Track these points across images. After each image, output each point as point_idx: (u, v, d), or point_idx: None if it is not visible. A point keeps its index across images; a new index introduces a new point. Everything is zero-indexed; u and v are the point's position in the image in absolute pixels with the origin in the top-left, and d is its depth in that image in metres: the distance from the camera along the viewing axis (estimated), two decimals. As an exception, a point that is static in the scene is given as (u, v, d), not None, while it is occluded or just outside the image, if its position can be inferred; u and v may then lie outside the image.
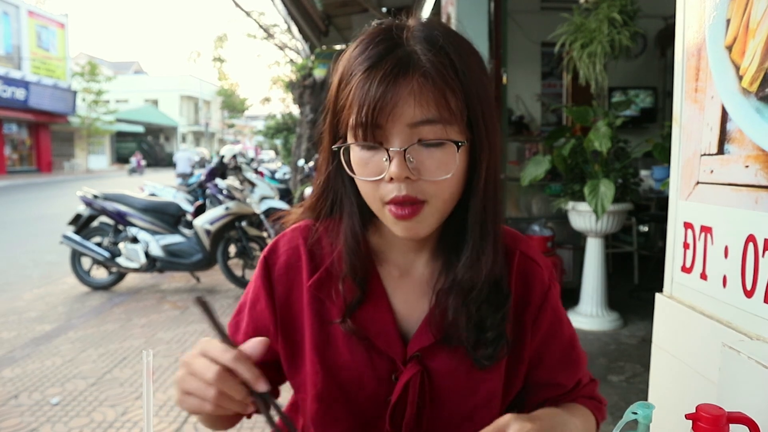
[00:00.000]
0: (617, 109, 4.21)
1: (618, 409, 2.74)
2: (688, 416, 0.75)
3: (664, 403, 1.25)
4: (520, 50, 5.52)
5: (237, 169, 5.84)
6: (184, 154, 14.33)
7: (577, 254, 4.64)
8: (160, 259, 5.35)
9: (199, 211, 5.58)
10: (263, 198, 5.64)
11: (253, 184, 5.73)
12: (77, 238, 5.35)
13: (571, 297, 4.28)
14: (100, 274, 5.66)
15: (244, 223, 5.47)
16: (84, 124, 29.55)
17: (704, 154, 1.14)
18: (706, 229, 1.14)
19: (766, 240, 0.97)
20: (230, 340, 0.69)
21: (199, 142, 48.93)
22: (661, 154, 3.89)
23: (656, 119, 5.97)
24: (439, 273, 0.85)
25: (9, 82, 22.94)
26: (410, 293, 0.86)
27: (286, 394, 0.94)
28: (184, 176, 12.98)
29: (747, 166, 1.01)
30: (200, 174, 6.13)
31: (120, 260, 5.35)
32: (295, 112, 15.76)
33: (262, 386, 0.66)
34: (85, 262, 5.56)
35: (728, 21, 1.05)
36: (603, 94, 4.20)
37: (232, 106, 43.89)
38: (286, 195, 8.38)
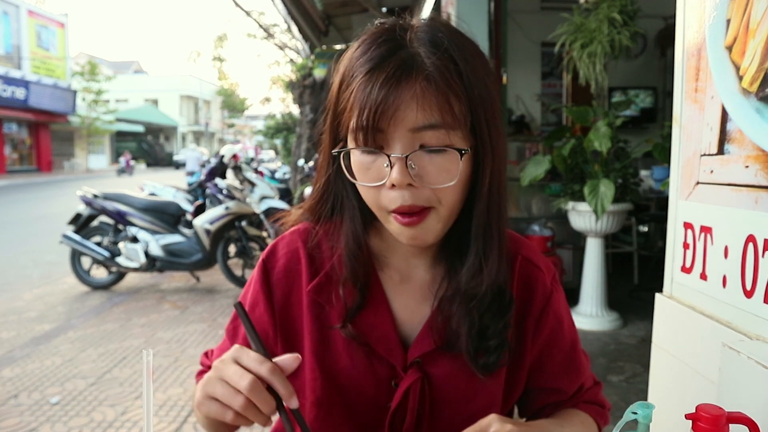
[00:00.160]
0: (617, 109, 4.22)
1: (618, 409, 2.74)
2: (687, 416, 0.75)
3: (663, 403, 1.25)
4: (520, 50, 5.52)
5: (237, 169, 5.84)
6: (193, 154, 14.37)
7: (577, 254, 4.64)
8: (159, 259, 5.35)
9: (199, 210, 5.58)
10: (263, 198, 5.64)
11: (252, 184, 5.73)
12: (77, 237, 5.35)
13: (571, 297, 4.28)
14: (99, 273, 5.66)
15: (244, 223, 5.47)
16: (84, 123, 29.55)
17: (704, 154, 1.14)
18: (706, 229, 1.14)
19: (766, 240, 0.97)
20: (266, 350, 0.67)
21: (199, 142, 48.90)
22: (661, 154, 3.89)
23: (656, 119, 5.98)
24: (442, 279, 0.83)
25: (9, 81, 22.93)
26: (411, 298, 0.85)
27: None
28: (193, 174, 13.00)
29: (747, 167, 1.01)
30: (200, 173, 6.12)
31: (120, 260, 5.35)
32: (294, 112, 15.76)
33: (294, 402, 0.64)
34: (85, 262, 5.56)
35: (728, 21, 1.05)
36: (603, 94, 4.20)
37: (232, 105, 43.88)
38: (286, 195, 8.38)
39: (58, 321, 4.60)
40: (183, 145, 45.40)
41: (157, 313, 4.81)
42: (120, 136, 37.40)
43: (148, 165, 37.68)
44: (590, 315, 4.08)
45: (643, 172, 5.41)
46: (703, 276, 1.15)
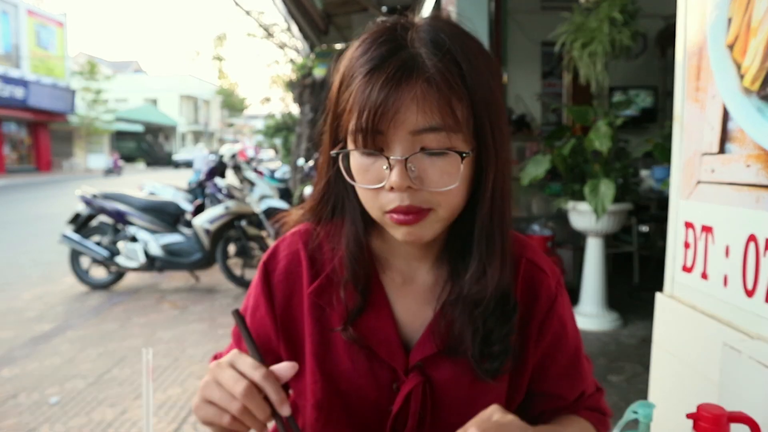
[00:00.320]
0: (618, 108, 4.21)
1: (618, 409, 2.73)
2: (689, 416, 0.74)
3: (664, 402, 1.25)
4: (520, 50, 5.52)
5: (237, 169, 5.84)
6: (201, 153, 14.41)
7: (577, 254, 4.64)
8: (159, 259, 5.35)
9: (199, 210, 5.58)
10: (263, 197, 5.63)
11: (252, 184, 5.73)
12: (76, 237, 5.35)
13: (571, 297, 4.22)
14: (99, 273, 5.65)
15: (243, 223, 5.47)
16: (83, 123, 29.53)
17: (705, 154, 1.14)
18: (706, 229, 1.14)
19: (767, 239, 0.97)
20: (262, 356, 0.68)
21: (198, 142, 48.92)
22: (661, 154, 3.89)
23: (656, 119, 5.97)
24: (445, 282, 0.82)
25: (8, 81, 22.91)
26: (413, 301, 0.84)
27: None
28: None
29: (748, 166, 1.01)
30: (200, 173, 6.13)
31: (119, 259, 5.35)
32: (294, 112, 15.76)
33: (286, 410, 0.64)
34: (84, 262, 5.55)
35: (730, 20, 1.05)
36: (603, 94, 4.20)
37: (232, 105, 43.89)
38: (285, 194, 8.38)
39: (57, 321, 4.59)
40: (182, 145, 45.44)
41: (156, 313, 4.81)
42: (119, 136, 37.37)
43: (148, 164, 37.67)
44: (590, 315, 4.08)
45: (644, 172, 5.41)
46: (704, 275, 1.15)
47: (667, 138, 3.83)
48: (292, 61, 15.52)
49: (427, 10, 5.11)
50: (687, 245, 1.21)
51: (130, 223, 5.40)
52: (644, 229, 5.43)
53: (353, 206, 0.81)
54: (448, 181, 0.70)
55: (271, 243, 0.93)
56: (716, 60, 1.09)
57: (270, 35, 16.16)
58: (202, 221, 5.29)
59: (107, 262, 5.38)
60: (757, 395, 0.93)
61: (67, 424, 2.81)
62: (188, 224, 5.54)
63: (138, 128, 37.29)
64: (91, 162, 32.99)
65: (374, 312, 0.82)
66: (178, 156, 37.07)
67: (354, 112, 0.69)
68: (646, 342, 3.74)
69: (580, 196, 3.88)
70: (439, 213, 0.72)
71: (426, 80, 0.67)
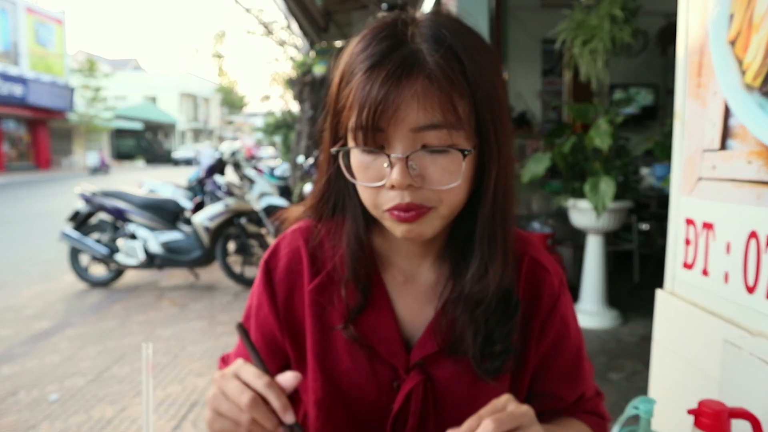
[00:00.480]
0: (618, 106, 4.21)
1: (618, 407, 2.73)
2: (690, 411, 0.74)
3: (665, 399, 1.24)
4: (520, 47, 5.51)
5: (236, 166, 5.83)
6: (208, 150, 14.45)
7: (578, 252, 4.64)
8: (159, 256, 5.35)
9: (198, 207, 5.58)
10: (262, 195, 5.63)
11: (252, 181, 5.72)
12: (76, 234, 5.34)
13: (572, 294, 4.27)
14: (98, 270, 5.65)
15: (243, 220, 5.47)
16: (82, 120, 29.52)
17: (706, 150, 1.14)
18: (707, 226, 1.14)
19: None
20: (266, 366, 0.68)
21: (198, 139, 48.91)
22: (662, 152, 3.89)
23: (657, 117, 5.96)
24: (446, 280, 0.81)
25: (7, 78, 22.89)
26: (414, 299, 0.83)
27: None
28: None
29: (750, 162, 1.00)
30: (199, 171, 6.12)
31: (119, 257, 5.34)
32: (294, 109, 15.76)
33: (289, 417, 0.63)
34: (84, 259, 5.55)
35: (731, 16, 1.04)
36: (604, 92, 4.19)
37: (232, 103, 43.85)
38: (285, 192, 8.38)
39: (56, 318, 4.59)
40: (182, 143, 45.41)
41: (156, 311, 4.81)
42: (119, 134, 37.39)
43: (147, 162, 37.66)
44: (590, 312, 4.08)
45: (644, 170, 5.41)
46: (705, 272, 1.15)
47: (668, 136, 3.83)
48: (291, 58, 15.52)
49: (427, 6, 5.10)
50: (688, 242, 1.21)
51: (130, 221, 5.39)
52: (644, 227, 5.43)
53: (354, 204, 0.80)
54: (449, 179, 0.69)
55: (271, 240, 0.92)
56: (718, 56, 1.09)
57: (270, 32, 16.15)
58: (202, 219, 5.28)
59: (107, 260, 5.38)
60: (757, 392, 0.93)
61: (67, 422, 2.81)
62: (188, 222, 5.54)
63: (137, 126, 37.28)
64: (90, 160, 32.97)
65: (375, 310, 0.81)
66: (178, 153, 37.06)
67: (354, 109, 0.68)
68: (646, 340, 3.75)
69: (580, 194, 3.88)
70: (440, 211, 0.72)
71: (427, 76, 0.66)
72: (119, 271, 5.59)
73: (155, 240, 5.34)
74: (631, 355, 3.55)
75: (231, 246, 5.56)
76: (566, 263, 4.70)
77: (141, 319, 4.57)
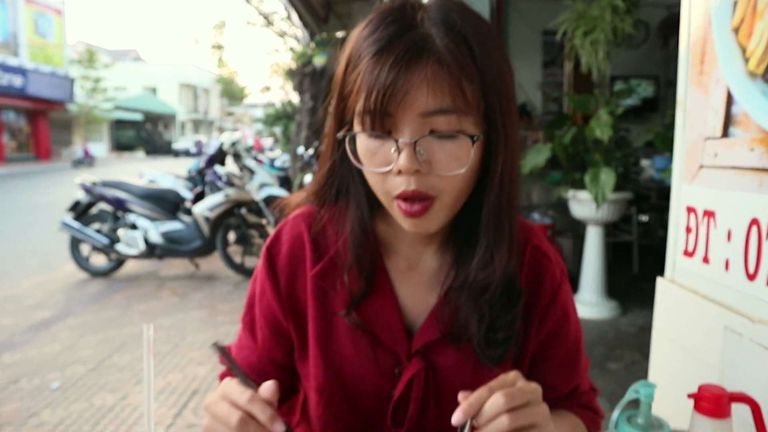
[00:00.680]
0: (619, 97, 4.20)
1: (616, 396, 2.75)
2: (690, 396, 0.75)
3: (665, 387, 1.25)
4: (521, 39, 5.49)
5: (236, 157, 5.83)
6: (215, 142, 14.43)
7: (577, 243, 4.65)
8: (159, 246, 5.35)
9: (198, 198, 5.58)
10: (262, 185, 5.63)
11: (252, 172, 5.72)
12: (76, 224, 5.34)
13: (571, 285, 4.27)
14: (99, 260, 5.66)
15: (243, 210, 5.47)
16: (82, 111, 29.45)
17: (708, 138, 1.14)
18: (709, 213, 1.14)
19: (770, 223, 0.97)
20: (248, 379, 0.68)
21: (198, 130, 48.83)
22: (662, 144, 3.89)
23: (658, 109, 5.95)
24: (450, 267, 0.81)
25: (6, 69, 22.79)
26: (417, 286, 0.83)
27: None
28: None
29: (752, 150, 1.00)
30: (199, 161, 6.11)
31: (119, 247, 5.35)
32: (294, 100, 15.71)
33: (279, 427, 0.64)
34: (84, 249, 5.56)
35: (735, 3, 1.04)
36: (605, 83, 4.19)
37: (232, 94, 43.73)
38: (285, 183, 8.37)
39: (57, 308, 4.60)
40: (182, 134, 45.32)
41: (156, 300, 4.82)
42: (118, 125, 37.32)
43: (147, 153, 37.60)
44: (590, 303, 4.09)
45: (644, 162, 5.40)
46: (706, 260, 1.15)
47: (668, 127, 3.83)
48: (291, 49, 15.45)
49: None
50: (689, 230, 1.21)
51: (130, 211, 5.39)
52: (644, 218, 5.44)
53: (358, 190, 0.80)
54: (457, 164, 0.69)
55: (272, 231, 0.91)
56: (721, 44, 1.09)
57: (270, 23, 16.08)
58: (202, 209, 5.29)
59: (107, 250, 5.38)
60: (758, 377, 0.94)
61: (68, 409, 2.82)
62: (188, 212, 5.53)
63: (137, 117, 37.20)
64: (90, 151, 32.93)
65: (378, 297, 0.81)
66: (178, 145, 37.00)
67: (362, 94, 0.68)
68: (644, 330, 3.76)
69: (580, 185, 3.88)
70: (444, 200, 0.71)
71: (437, 61, 0.66)
72: (120, 261, 5.60)
73: (155, 230, 5.34)
74: (630, 345, 3.56)
75: (231, 236, 5.56)
76: (566, 254, 4.71)
77: (141, 308, 4.58)
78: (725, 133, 1.08)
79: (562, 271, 0.88)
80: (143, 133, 39.79)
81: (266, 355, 0.87)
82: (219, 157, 5.75)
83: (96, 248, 5.43)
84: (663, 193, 5.19)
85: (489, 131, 0.72)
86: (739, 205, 1.04)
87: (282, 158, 10.95)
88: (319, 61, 9.06)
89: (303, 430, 0.92)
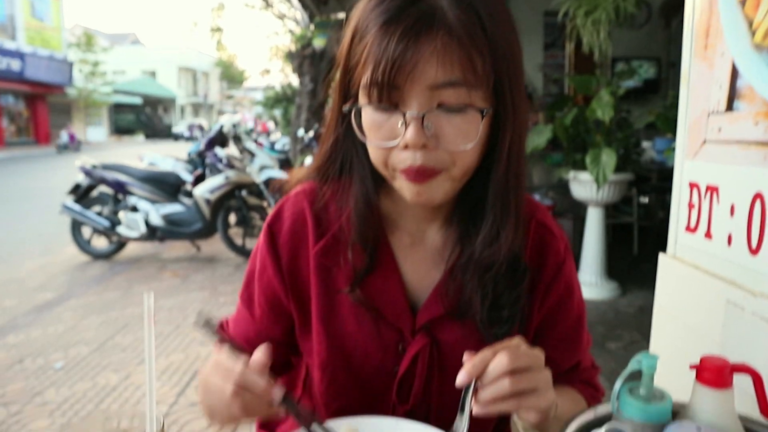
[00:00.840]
0: (620, 78, 4.18)
1: (615, 375, 2.76)
2: (692, 366, 0.75)
3: (666, 363, 1.26)
4: (522, 20, 5.44)
5: (237, 139, 5.81)
6: (216, 126, 14.35)
7: (578, 224, 4.65)
8: (160, 228, 5.36)
9: (199, 180, 5.57)
10: (263, 167, 5.62)
11: (252, 154, 5.71)
12: (77, 207, 5.35)
13: (571, 266, 4.31)
14: (100, 243, 5.67)
15: (244, 193, 5.47)
16: (81, 95, 29.32)
17: (712, 113, 1.13)
18: (712, 189, 1.14)
19: (773, 196, 0.96)
20: (239, 349, 0.68)
21: (197, 114, 48.62)
22: (663, 125, 3.87)
23: (659, 90, 5.92)
24: (454, 243, 0.80)
25: (4, 53, 22.63)
26: (421, 262, 0.83)
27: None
28: None
29: (756, 124, 1.00)
30: (200, 143, 6.09)
31: (120, 229, 5.36)
32: (294, 83, 15.61)
33: (277, 393, 0.64)
34: (86, 232, 5.57)
35: (741, -26, 1.03)
36: (606, 64, 4.16)
37: (231, 77, 43.46)
38: (285, 165, 8.35)
39: (59, 290, 4.62)
40: (182, 117, 45.13)
41: (158, 282, 4.84)
42: (118, 108, 37.17)
43: (147, 137, 37.49)
44: (590, 284, 4.10)
45: (645, 144, 5.39)
46: (708, 235, 1.15)
47: (670, 108, 3.82)
48: (291, 31, 15.31)
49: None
50: (691, 206, 1.21)
51: (131, 193, 5.40)
52: (644, 200, 5.44)
53: (362, 165, 0.78)
54: (465, 139, 0.67)
55: (272, 213, 0.91)
56: (727, 15, 1.08)
57: (269, 5, 15.90)
58: (203, 191, 5.28)
59: (108, 232, 5.39)
60: (759, 351, 0.94)
61: (73, 388, 2.85)
62: (189, 194, 5.53)
63: (136, 100, 37.04)
64: (90, 134, 32.83)
65: (381, 273, 0.80)
66: (178, 128, 36.86)
67: (369, 66, 0.66)
68: (644, 311, 3.78)
69: (581, 166, 3.88)
70: (452, 173, 0.70)
71: (447, 32, 0.64)
72: (121, 244, 5.61)
73: (156, 212, 5.34)
74: (629, 325, 3.58)
75: (232, 218, 5.57)
76: (567, 235, 4.71)
77: (143, 290, 4.58)
78: (729, 107, 1.07)
79: (566, 246, 0.87)
80: (143, 117, 39.63)
81: (264, 331, 0.86)
82: (219, 139, 5.73)
83: (97, 231, 5.44)
84: (664, 174, 5.18)
85: (497, 105, 0.70)
86: (742, 179, 1.04)
87: (282, 141, 10.92)
88: (318, 43, 8.99)
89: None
